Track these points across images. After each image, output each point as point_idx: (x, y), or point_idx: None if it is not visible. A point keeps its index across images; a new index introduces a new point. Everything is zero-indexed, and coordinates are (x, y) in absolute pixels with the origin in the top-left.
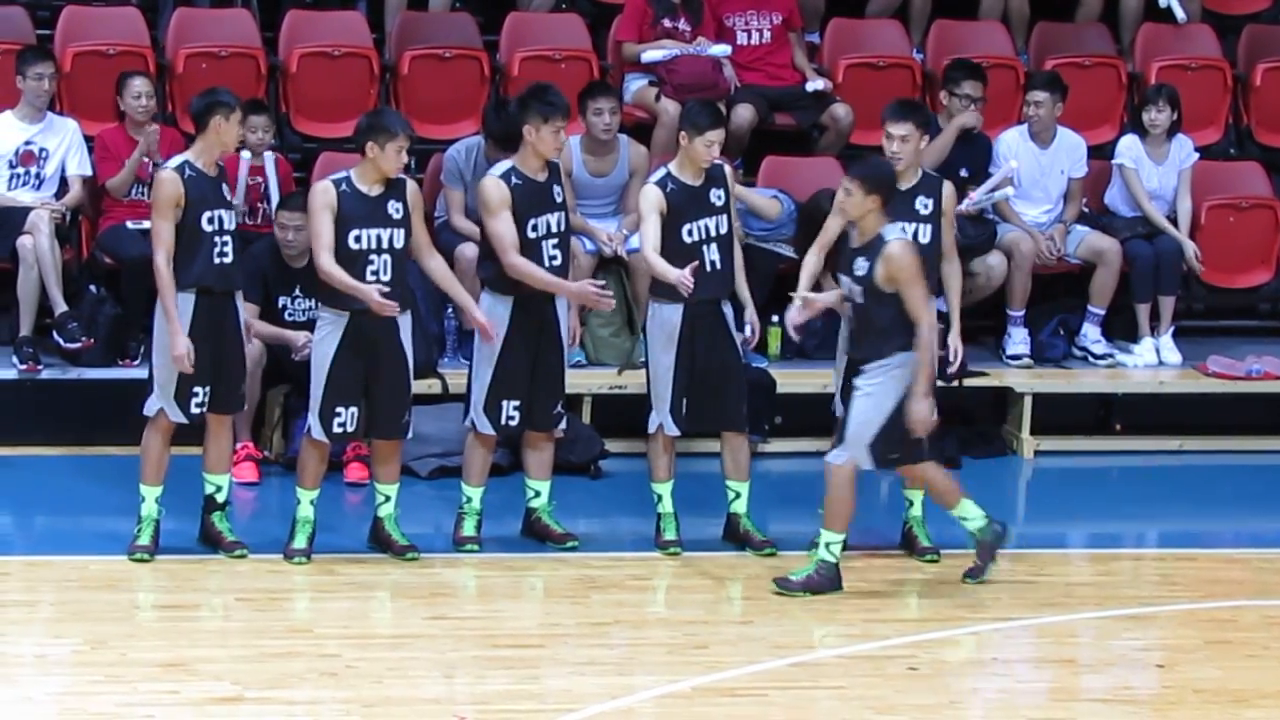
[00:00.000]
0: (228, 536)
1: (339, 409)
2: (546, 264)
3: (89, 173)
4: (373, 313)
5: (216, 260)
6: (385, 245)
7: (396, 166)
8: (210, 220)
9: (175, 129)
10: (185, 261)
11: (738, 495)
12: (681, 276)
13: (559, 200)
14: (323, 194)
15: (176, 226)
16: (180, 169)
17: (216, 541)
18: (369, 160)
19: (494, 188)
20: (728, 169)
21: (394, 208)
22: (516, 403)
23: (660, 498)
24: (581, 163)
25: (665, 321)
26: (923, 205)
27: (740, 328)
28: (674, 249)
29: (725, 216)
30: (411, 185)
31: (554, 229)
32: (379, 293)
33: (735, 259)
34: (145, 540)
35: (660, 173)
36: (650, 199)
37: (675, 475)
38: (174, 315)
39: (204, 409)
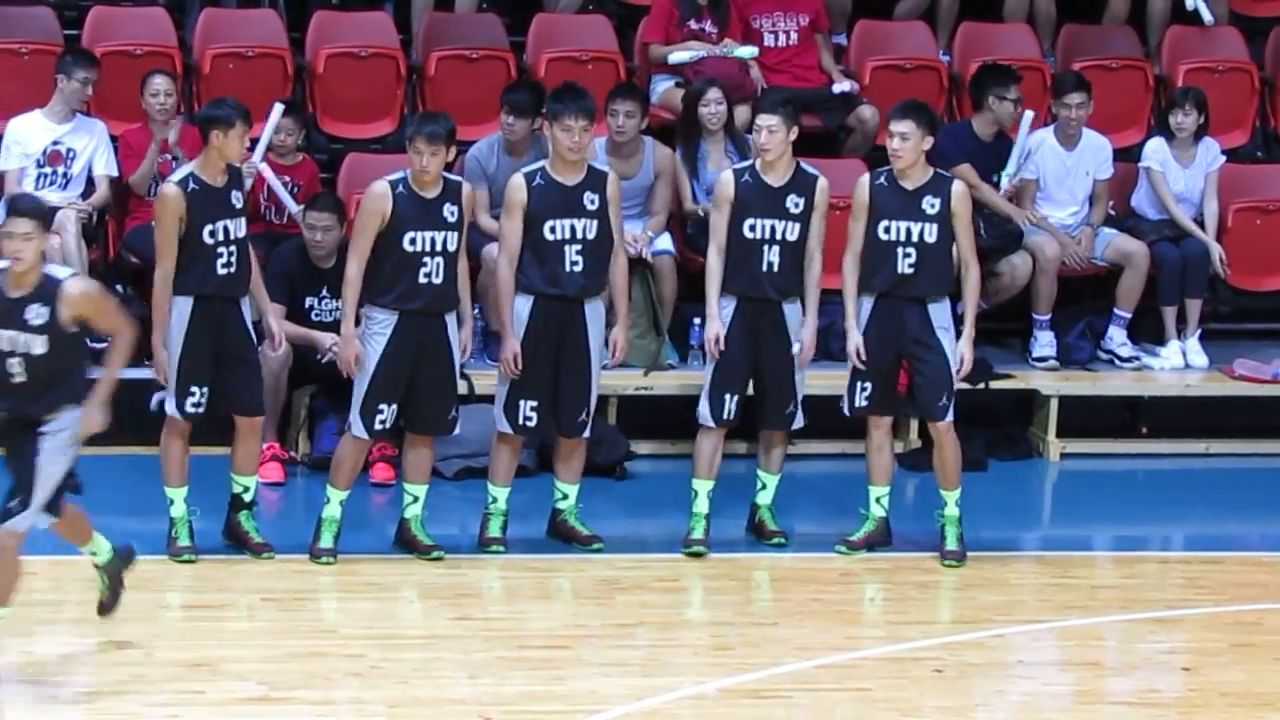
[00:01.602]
0: (255, 537)
1: (381, 405)
2: (568, 269)
3: (115, 173)
4: (422, 312)
5: (221, 271)
6: (439, 248)
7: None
8: (212, 233)
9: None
10: (185, 271)
11: (764, 486)
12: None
13: (591, 207)
14: (379, 198)
15: (179, 239)
16: (184, 183)
17: (243, 542)
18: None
19: (513, 187)
20: (821, 183)
21: (449, 211)
22: (534, 403)
23: (695, 494)
24: (606, 165)
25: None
26: (929, 205)
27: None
28: (734, 243)
29: (799, 225)
30: (467, 188)
31: (580, 235)
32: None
33: (810, 271)
34: (185, 540)
35: (745, 164)
36: (720, 188)
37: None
38: (161, 329)
39: (200, 409)
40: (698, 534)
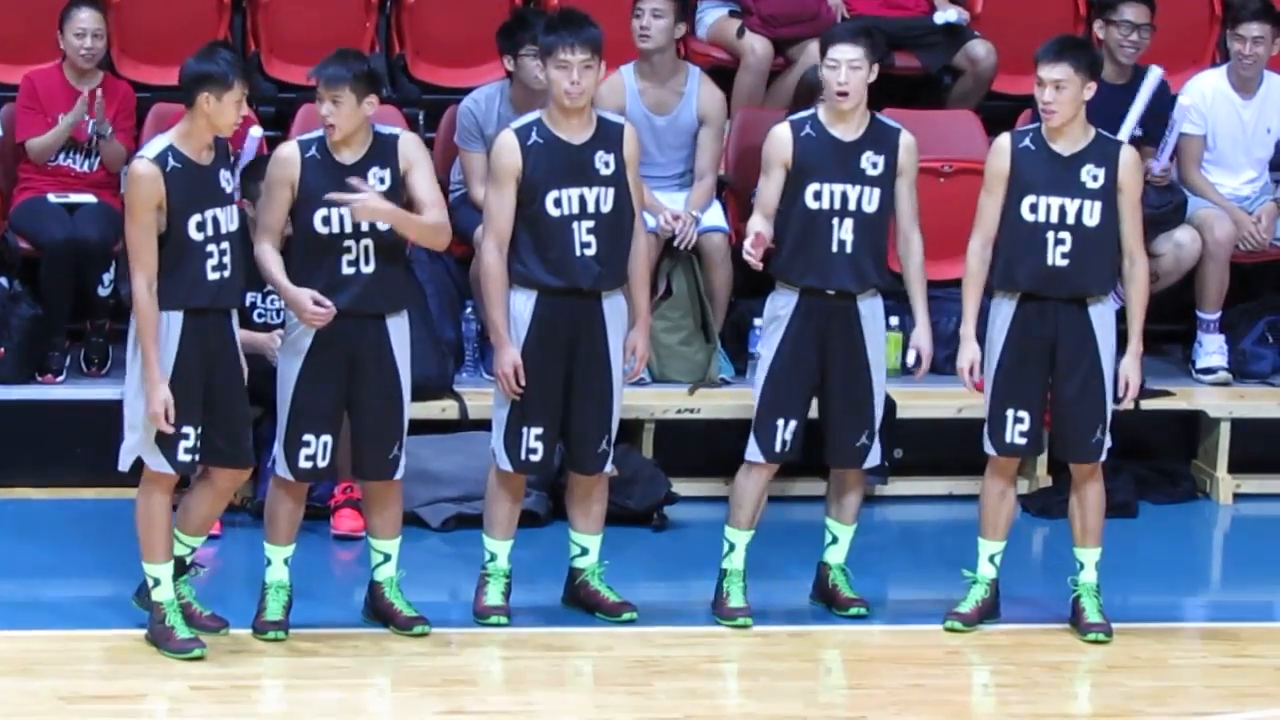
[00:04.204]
0: (200, 610)
1: (307, 437)
2: (578, 251)
3: None
4: (351, 313)
5: (213, 275)
6: (365, 227)
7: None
8: (201, 225)
9: (117, 77)
10: (168, 278)
11: (835, 540)
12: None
13: (605, 170)
14: (285, 164)
15: (159, 236)
16: (161, 158)
17: (184, 616)
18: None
19: (501, 148)
20: (906, 139)
21: (376, 176)
22: (539, 431)
23: (732, 548)
24: (638, 93)
25: (774, 313)
26: (1091, 177)
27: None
28: (793, 216)
29: (878, 191)
30: (407, 140)
31: (590, 208)
32: (312, 299)
33: (911, 255)
34: (185, 632)
35: (804, 113)
36: (772, 146)
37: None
38: (154, 361)
39: (194, 455)
40: (737, 600)
